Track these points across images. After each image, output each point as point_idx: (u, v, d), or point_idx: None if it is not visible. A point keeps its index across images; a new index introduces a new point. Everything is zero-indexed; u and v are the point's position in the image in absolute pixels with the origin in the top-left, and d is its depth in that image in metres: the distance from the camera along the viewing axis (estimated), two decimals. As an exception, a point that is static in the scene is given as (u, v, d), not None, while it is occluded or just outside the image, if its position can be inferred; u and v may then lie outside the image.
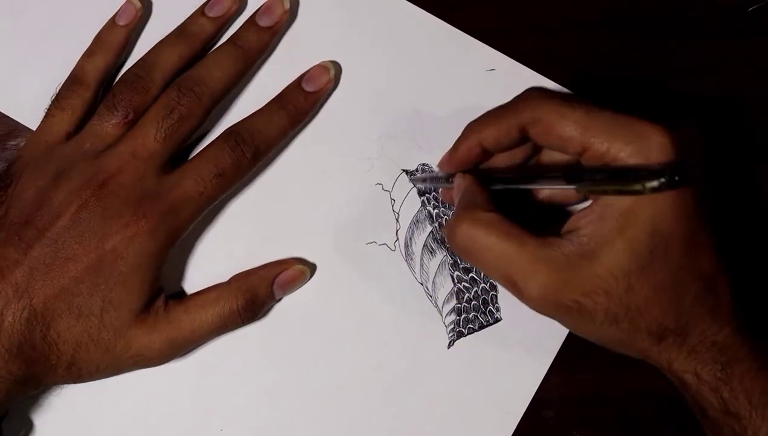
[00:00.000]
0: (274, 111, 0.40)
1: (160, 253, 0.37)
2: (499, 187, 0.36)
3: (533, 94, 0.35)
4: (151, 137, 0.37)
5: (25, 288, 0.35)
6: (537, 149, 0.38)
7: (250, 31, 0.41)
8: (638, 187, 0.30)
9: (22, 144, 0.40)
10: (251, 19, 0.41)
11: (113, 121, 0.38)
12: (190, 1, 0.41)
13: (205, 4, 0.41)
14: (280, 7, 0.41)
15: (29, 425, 0.39)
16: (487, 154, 0.37)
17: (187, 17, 0.41)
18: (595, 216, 0.33)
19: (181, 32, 0.41)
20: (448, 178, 0.38)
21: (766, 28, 0.43)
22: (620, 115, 0.33)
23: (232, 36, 0.41)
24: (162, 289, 0.38)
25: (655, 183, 0.30)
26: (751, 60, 0.43)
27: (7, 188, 0.37)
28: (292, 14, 0.42)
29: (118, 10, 0.41)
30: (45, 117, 0.39)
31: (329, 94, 0.42)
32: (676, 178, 0.30)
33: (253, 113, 0.40)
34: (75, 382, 0.37)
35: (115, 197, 0.36)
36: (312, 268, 0.41)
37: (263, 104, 0.41)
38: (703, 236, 0.33)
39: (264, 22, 0.41)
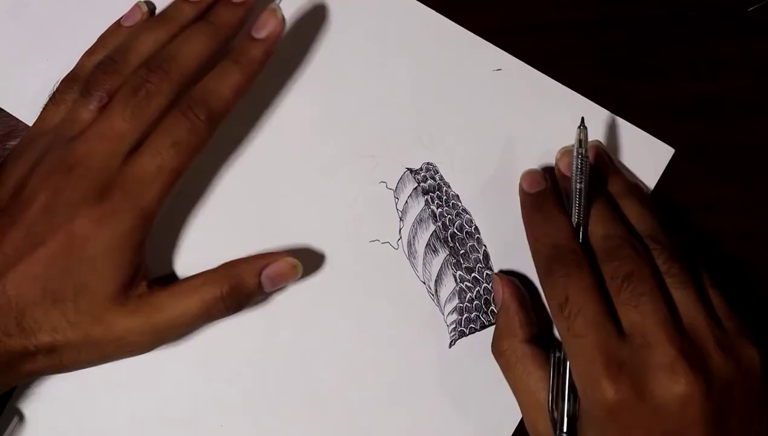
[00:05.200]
0: (225, 68, 0.39)
1: (131, 234, 0.36)
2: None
3: None
4: (118, 117, 0.37)
5: None
6: None
7: (221, 8, 0.40)
8: None
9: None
10: None
11: (90, 106, 0.38)
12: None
13: None
14: None
15: (21, 417, 0.39)
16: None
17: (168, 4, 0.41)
18: None
19: (159, 18, 0.40)
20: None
21: (766, 28, 0.43)
22: None
23: (205, 14, 0.40)
24: (145, 274, 0.37)
25: None
26: (751, 60, 0.43)
27: None
28: (295, 14, 0.42)
29: (125, 13, 0.41)
30: (40, 112, 0.39)
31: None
32: None
33: (206, 75, 0.39)
34: (60, 370, 0.37)
35: (83, 180, 0.36)
36: (310, 266, 0.41)
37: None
38: None
39: None
